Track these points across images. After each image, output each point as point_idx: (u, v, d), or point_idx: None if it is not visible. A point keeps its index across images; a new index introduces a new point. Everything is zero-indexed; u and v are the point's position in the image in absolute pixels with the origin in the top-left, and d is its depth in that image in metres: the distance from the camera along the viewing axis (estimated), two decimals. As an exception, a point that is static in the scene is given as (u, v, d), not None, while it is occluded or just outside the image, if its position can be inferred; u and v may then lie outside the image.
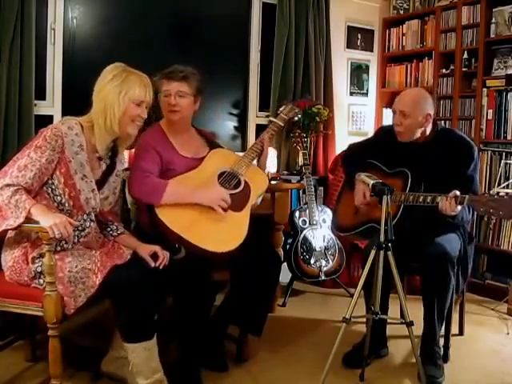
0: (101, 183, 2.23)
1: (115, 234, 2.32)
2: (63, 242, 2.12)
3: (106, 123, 2.15)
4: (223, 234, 2.37)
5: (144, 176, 2.36)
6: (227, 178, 2.49)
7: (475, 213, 2.63)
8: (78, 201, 2.14)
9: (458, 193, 2.35)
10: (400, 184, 2.60)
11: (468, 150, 2.62)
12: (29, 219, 1.98)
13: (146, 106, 2.22)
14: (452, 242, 2.54)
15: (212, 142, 2.71)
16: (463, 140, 2.66)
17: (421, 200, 2.46)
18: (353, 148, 3.01)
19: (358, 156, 2.86)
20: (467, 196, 2.34)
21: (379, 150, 2.79)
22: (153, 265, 2.18)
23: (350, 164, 2.88)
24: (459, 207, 2.36)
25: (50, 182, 2.11)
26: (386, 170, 2.73)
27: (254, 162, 2.64)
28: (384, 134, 2.87)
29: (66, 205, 2.13)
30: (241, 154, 2.68)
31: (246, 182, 2.53)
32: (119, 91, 2.13)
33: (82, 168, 2.14)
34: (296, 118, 3.36)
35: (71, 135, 2.11)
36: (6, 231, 2.10)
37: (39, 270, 2.06)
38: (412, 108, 2.57)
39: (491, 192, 2.40)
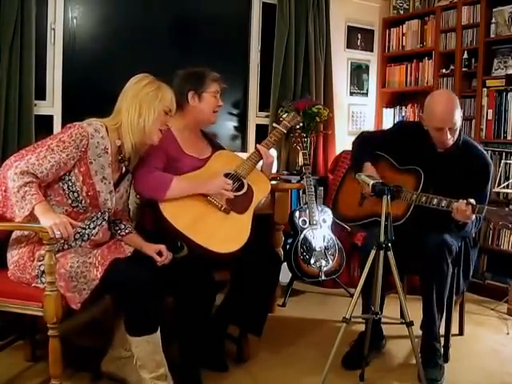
0: (117, 183, 2.26)
1: (123, 233, 2.34)
2: (65, 242, 2.12)
3: (139, 123, 2.17)
4: (226, 235, 2.38)
5: (149, 171, 2.36)
6: (231, 180, 2.49)
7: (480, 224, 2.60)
8: (95, 200, 2.16)
9: (473, 201, 2.28)
10: (412, 182, 2.55)
11: (486, 170, 2.56)
12: (31, 215, 1.98)
13: (170, 116, 2.27)
14: (452, 235, 2.52)
15: (215, 144, 2.73)
16: (483, 157, 2.59)
17: (434, 203, 2.38)
18: (366, 135, 2.91)
19: (370, 145, 2.78)
20: (486, 207, 2.27)
21: (393, 146, 2.72)
22: (159, 259, 2.24)
23: (361, 150, 2.79)
24: (473, 216, 2.31)
25: (67, 178, 2.11)
26: (397, 165, 2.68)
27: (260, 163, 2.65)
28: (404, 131, 2.79)
29: (83, 202, 2.14)
30: (240, 153, 2.67)
31: (249, 185, 2.54)
32: (156, 96, 2.19)
33: (102, 170, 2.16)
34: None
35: (97, 137, 2.13)
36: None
37: (42, 268, 2.06)
38: (457, 119, 2.48)
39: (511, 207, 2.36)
